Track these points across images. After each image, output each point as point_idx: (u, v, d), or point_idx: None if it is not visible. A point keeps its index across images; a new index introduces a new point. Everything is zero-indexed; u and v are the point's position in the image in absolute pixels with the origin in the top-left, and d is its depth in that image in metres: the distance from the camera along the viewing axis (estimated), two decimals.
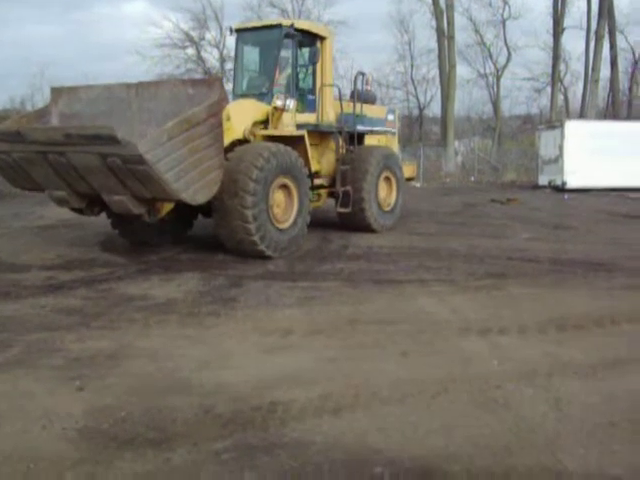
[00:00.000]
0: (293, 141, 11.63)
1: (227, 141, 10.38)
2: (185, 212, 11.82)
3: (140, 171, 8.56)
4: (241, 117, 11.06)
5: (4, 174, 10.63)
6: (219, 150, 9.83)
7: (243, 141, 11.07)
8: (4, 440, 4.27)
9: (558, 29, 41.48)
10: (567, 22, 42.35)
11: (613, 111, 44.51)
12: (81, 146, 8.65)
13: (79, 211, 10.67)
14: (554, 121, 34.43)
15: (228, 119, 10.45)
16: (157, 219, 10.28)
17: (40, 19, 78.37)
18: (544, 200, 23.17)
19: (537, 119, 48.45)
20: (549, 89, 45.15)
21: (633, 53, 49.65)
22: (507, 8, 46.36)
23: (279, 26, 12.54)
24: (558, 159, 27.77)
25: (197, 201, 9.52)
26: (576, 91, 49.67)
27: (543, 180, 29.20)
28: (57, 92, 11.31)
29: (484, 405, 4.76)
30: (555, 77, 42.98)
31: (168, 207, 10.24)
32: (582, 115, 41.52)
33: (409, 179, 17.18)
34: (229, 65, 40.70)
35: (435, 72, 45.42)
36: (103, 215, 11.87)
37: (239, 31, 13.34)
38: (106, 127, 8.58)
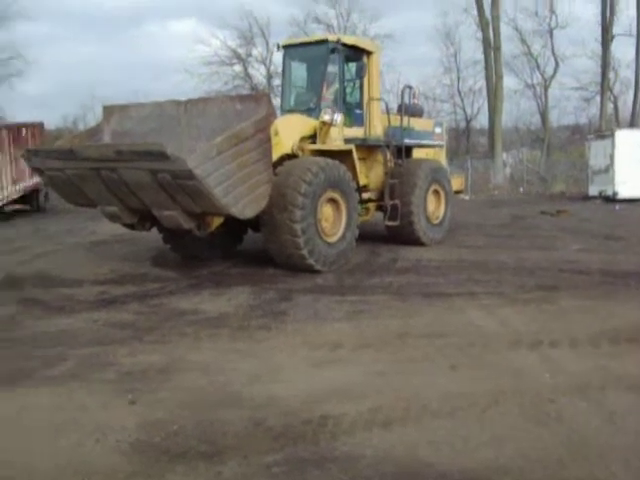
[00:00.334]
0: (341, 155, 11.67)
1: (276, 156, 10.46)
2: (235, 227, 11.93)
3: (190, 186, 8.68)
4: (289, 132, 11.15)
5: (58, 190, 10.85)
6: (267, 165, 9.91)
7: (291, 156, 11.16)
8: (59, 453, 4.36)
9: (607, 37, 40.87)
10: (616, 29, 41.64)
11: None
12: (132, 162, 8.81)
13: (130, 226, 10.84)
14: (604, 130, 33.87)
15: (276, 134, 10.54)
16: (207, 233, 10.37)
17: (90, 39, 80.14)
18: (594, 211, 22.82)
19: (586, 129, 47.61)
20: (598, 98, 44.47)
21: None
22: (554, 17, 45.83)
23: (326, 41, 12.62)
24: (609, 169, 27.29)
25: (246, 215, 9.61)
26: (626, 99, 48.74)
27: (593, 191, 28.70)
28: (109, 110, 11.53)
29: (535, 418, 4.72)
30: (604, 86, 42.33)
31: (218, 221, 10.33)
32: (633, 124, 40.81)
33: (457, 192, 17.08)
34: (276, 81, 41.08)
35: (482, 83, 45.05)
36: (154, 230, 12.05)
37: (286, 47, 13.46)
38: (156, 144, 8.73)
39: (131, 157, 8.78)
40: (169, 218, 9.57)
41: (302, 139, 11.50)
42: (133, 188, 9.30)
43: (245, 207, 9.44)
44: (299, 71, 13.68)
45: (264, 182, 9.81)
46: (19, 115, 43.24)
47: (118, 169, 9.08)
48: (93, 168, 9.36)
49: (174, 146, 8.71)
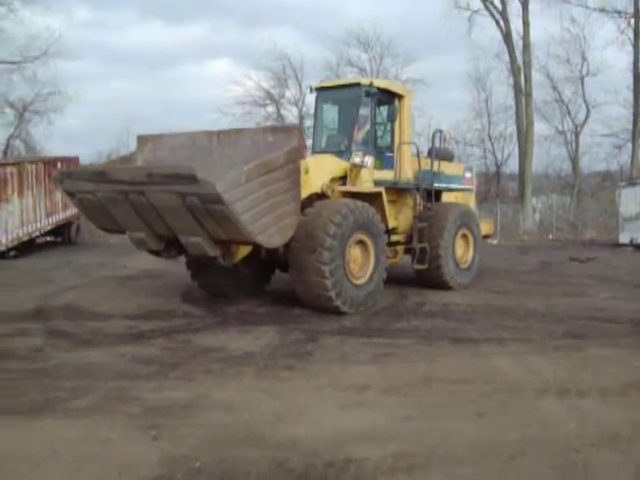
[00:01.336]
0: (371, 197, 11.73)
1: (305, 194, 10.54)
2: (263, 266, 12.02)
3: (217, 211, 8.71)
4: (319, 172, 11.24)
5: (88, 214, 10.95)
6: (295, 196, 9.91)
7: (321, 195, 11.23)
8: None
9: (639, 85, 40.82)
10: None
11: None
12: (161, 185, 8.87)
13: (156, 253, 10.79)
14: (635, 178, 33.70)
15: (307, 172, 10.63)
16: (232, 263, 10.37)
17: (127, 77, 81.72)
18: (625, 258, 22.59)
19: (617, 176, 47.38)
20: (630, 145, 44.27)
21: None
22: (586, 65, 45.90)
23: (358, 85, 12.74)
24: (639, 216, 27.12)
25: (272, 244, 9.61)
26: None
27: (624, 238, 28.45)
28: (143, 140, 11.70)
29: (562, 469, 4.64)
30: (636, 133, 42.14)
31: (243, 252, 10.37)
32: None
33: (486, 236, 17.03)
34: (308, 122, 41.38)
35: (512, 129, 45.13)
36: (183, 267, 12.15)
37: (319, 90, 13.60)
38: (186, 167, 8.83)
39: (161, 180, 8.84)
40: (195, 245, 9.59)
41: (332, 180, 11.58)
42: (161, 212, 9.35)
43: (271, 236, 9.42)
44: (331, 113, 13.81)
45: (292, 213, 9.81)
46: (56, 150, 43.89)
47: (147, 192, 9.14)
48: (122, 191, 9.44)
49: (204, 173, 8.78)
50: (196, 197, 8.66)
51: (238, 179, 8.74)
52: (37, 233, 23.41)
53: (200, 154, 10.74)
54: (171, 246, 10.48)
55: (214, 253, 9.71)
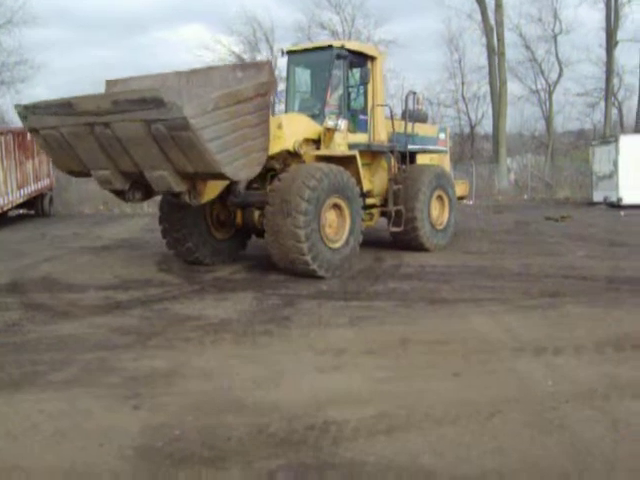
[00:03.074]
0: (345, 161, 11.70)
1: (276, 149, 10.60)
2: (238, 232, 12.00)
3: (184, 138, 8.56)
4: (293, 129, 11.24)
5: (52, 153, 10.69)
6: (264, 132, 9.72)
7: (293, 154, 11.19)
8: (63, 457, 4.37)
9: (611, 42, 40.90)
10: (620, 35, 41.74)
11: None
12: (127, 113, 8.70)
13: (121, 195, 10.55)
14: (608, 136, 33.88)
15: (280, 127, 10.63)
16: (199, 203, 10.27)
17: (97, 44, 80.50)
18: (599, 217, 22.78)
19: (591, 134, 47.66)
20: (603, 104, 44.46)
21: None
22: (558, 23, 45.90)
23: (330, 47, 12.65)
24: (613, 175, 27.22)
25: (239, 177, 9.52)
26: (631, 105, 48.76)
27: (598, 196, 28.65)
28: (111, 84, 11.57)
29: (539, 426, 4.69)
30: (608, 91, 42.34)
31: (210, 191, 10.27)
32: (637, 129, 40.84)
33: (461, 197, 17.09)
34: (280, 86, 41.12)
35: (486, 89, 45.14)
36: (158, 235, 12.09)
37: (290, 53, 13.50)
38: (152, 90, 8.74)
39: (127, 107, 8.67)
40: (160, 179, 9.39)
41: (305, 140, 11.53)
42: (126, 144, 9.14)
43: (239, 169, 9.28)
44: (303, 77, 13.73)
45: (260, 148, 9.65)
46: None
47: (112, 123, 8.96)
48: (87, 124, 9.24)
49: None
50: (162, 124, 8.50)
51: (205, 106, 8.61)
52: (9, 206, 23.14)
53: (169, 95, 10.60)
54: (136, 187, 10.25)
55: (180, 189, 9.56)
